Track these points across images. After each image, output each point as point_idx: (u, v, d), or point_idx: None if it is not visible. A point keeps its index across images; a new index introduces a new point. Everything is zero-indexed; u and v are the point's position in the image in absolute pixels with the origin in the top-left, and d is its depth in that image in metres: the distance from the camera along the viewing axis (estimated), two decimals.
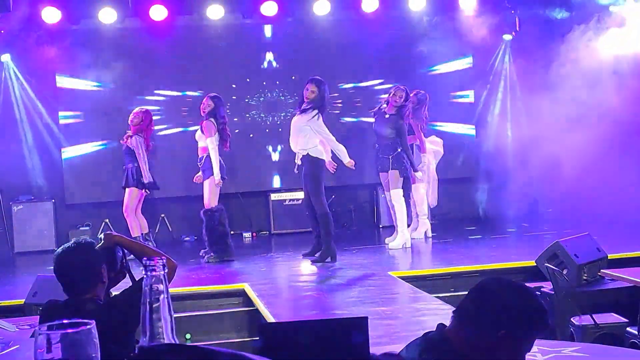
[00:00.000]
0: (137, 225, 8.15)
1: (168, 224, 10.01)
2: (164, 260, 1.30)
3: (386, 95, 8.40)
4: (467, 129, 10.47)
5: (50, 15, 9.21)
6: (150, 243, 8.29)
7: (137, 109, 8.25)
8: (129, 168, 8.08)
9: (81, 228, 9.52)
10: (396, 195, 8.02)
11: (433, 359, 1.96)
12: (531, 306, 2.02)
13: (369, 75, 10.29)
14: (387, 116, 8.11)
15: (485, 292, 2.06)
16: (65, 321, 1.21)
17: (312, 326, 1.45)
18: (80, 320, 1.20)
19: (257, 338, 1.43)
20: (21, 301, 5.62)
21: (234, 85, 10.08)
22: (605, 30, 8.89)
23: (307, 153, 7.62)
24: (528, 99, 9.83)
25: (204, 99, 8.02)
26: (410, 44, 10.09)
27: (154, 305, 1.29)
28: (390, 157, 8.00)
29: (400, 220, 8.07)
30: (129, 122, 8.13)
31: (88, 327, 1.18)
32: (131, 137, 8.06)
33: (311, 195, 7.64)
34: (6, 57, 9.60)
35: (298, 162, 7.70)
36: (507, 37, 10.39)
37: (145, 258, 1.31)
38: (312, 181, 7.62)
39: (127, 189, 8.12)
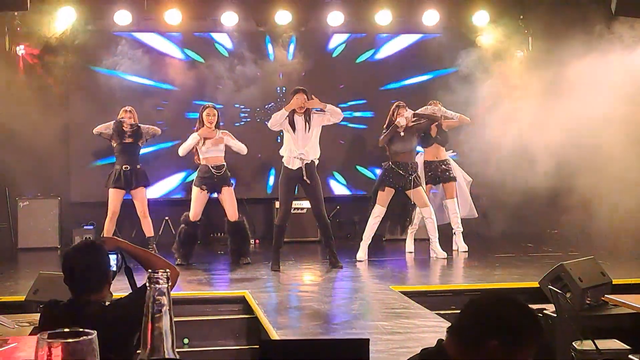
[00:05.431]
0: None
1: (172, 227, 10.00)
2: (168, 274, 1.29)
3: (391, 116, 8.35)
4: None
5: (66, 15, 9.26)
6: (151, 248, 8.38)
7: (129, 116, 8.46)
8: (140, 168, 8.51)
9: (85, 227, 9.51)
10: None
11: None
12: (522, 316, 2.02)
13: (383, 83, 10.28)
14: (402, 134, 8.16)
15: (477, 304, 2.09)
16: (66, 329, 1.20)
17: (313, 345, 1.44)
18: (81, 330, 1.20)
19: (257, 349, 1.41)
20: (21, 298, 5.61)
21: (242, 93, 10.06)
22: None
23: (315, 160, 7.67)
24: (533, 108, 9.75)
25: (209, 108, 8.09)
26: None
27: (155, 317, 1.29)
28: (415, 175, 8.24)
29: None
30: (135, 125, 8.41)
31: (89, 337, 1.17)
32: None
33: (321, 203, 7.66)
34: (19, 51, 9.60)
35: (300, 167, 7.64)
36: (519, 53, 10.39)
37: (150, 270, 1.30)
38: (320, 188, 7.67)
39: (142, 189, 8.46)
